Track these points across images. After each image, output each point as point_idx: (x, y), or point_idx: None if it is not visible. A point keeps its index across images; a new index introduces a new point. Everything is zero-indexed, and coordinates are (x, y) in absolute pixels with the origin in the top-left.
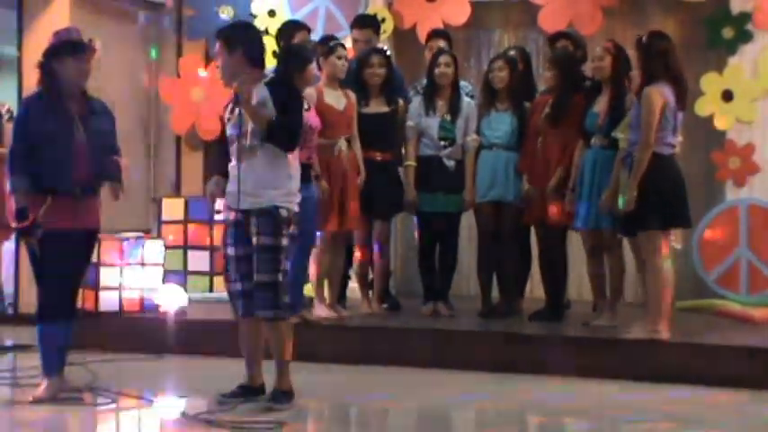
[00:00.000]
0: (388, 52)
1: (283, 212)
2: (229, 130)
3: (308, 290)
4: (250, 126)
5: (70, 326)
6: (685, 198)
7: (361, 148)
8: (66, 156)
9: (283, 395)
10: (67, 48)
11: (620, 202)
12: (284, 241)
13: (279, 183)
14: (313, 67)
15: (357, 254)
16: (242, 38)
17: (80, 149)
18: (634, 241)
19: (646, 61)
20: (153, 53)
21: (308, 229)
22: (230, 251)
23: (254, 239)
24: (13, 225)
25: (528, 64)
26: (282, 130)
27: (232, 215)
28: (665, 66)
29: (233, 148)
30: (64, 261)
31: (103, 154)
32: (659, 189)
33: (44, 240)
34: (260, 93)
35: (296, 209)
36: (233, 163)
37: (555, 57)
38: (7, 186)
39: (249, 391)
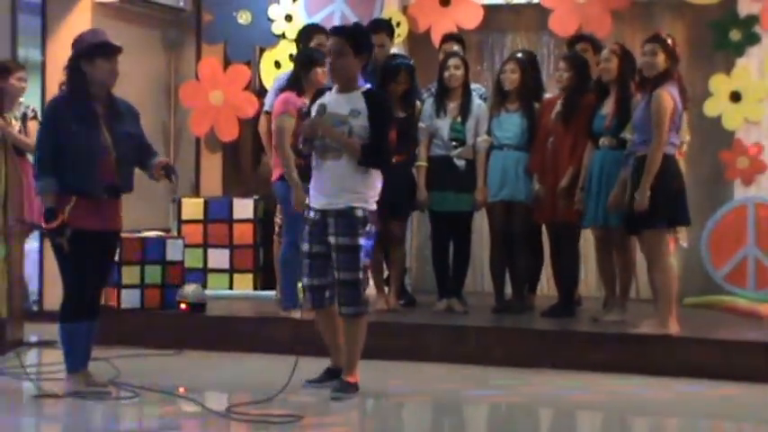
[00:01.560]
0: (413, 64)
1: (359, 212)
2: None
3: None
4: (339, 128)
5: (94, 323)
6: (685, 196)
7: None
8: (93, 158)
9: (349, 386)
10: (97, 49)
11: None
12: (361, 240)
13: (357, 185)
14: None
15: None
16: (368, 45)
17: (106, 152)
18: (642, 238)
19: (671, 62)
20: (172, 36)
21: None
22: (305, 247)
23: (333, 240)
24: (43, 225)
25: (535, 66)
26: (373, 155)
27: (312, 213)
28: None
29: (320, 144)
30: (87, 261)
31: (130, 158)
32: (666, 187)
33: (71, 239)
34: (356, 102)
35: (373, 207)
36: (316, 160)
37: (571, 57)
38: (31, 186)
39: (334, 374)
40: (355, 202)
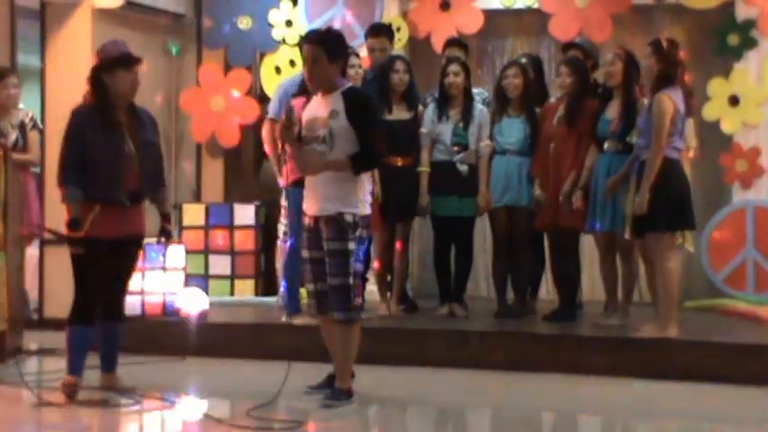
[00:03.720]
0: (407, 59)
1: (348, 218)
2: (304, 131)
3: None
4: (321, 132)
5: (119, 327)
6: (690, 200)
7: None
8: (116, 167)
9: (342, 393)
10: (118, 60)
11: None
12: (351, 245)
13: (345, 191)
14: None
15: (375, 263)
16: (343, 50)
17: (129, 161)
18: (642, 242)
19: (666, 67)
20: (173, 50)
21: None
22: (305, 254)
23: (325, 245)
24: (66, 234)
25: (539, 70)
26: (365, 161)
27: (307, 219)
28: (679, 73)
29: (306, 149)
30: (100, 269)
31: (152, 166)
32: (668, 191)
33: (86, 247)
34: (335, 103)
35: (365, 212)
36: None
37: (573, 61)
38: (31, 194)
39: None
40: (344, 207)
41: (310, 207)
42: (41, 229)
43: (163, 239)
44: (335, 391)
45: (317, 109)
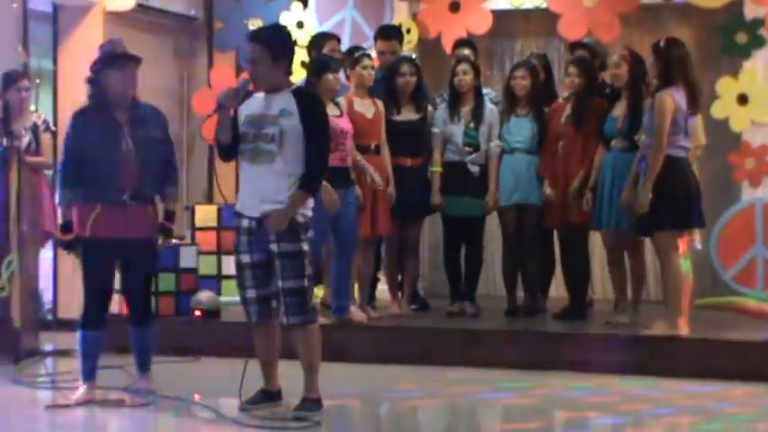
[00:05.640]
0: (417, 60)
1: (299, 218)
2: (244, 127)
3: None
4: (271, 130)
5: (144, 331)
6: (699, 199)
7: (393, 155)
8: (113, 167)
9: (313, 403)
10: (112, 60)
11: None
12: (305, 246)
13: (291, 191)
14: (331, 76)
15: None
16: (287, 49)
17: (127, 160)
18: (652, 240)
19: (663, 66)
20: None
21: (350, 235)
22: (245, 258)
23: (274, 247)
24: (58, 237)
25: (549, 70)
26: (317, 177)
27: (245, 222)
28: (681, 71)
29: (246, 148)
30: (103, 269)
31: (155, 164)
32: (672, 190)
33: (88, 249)
34: (286, 102)
35: (310, 213)
36: (245, 165)
37: (581, 61)
38: (44, 197)
39: (270, 396)
40: None
41: (251, 208)
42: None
43: (161, 238)
44: (307, 402)
45: (261, 106)
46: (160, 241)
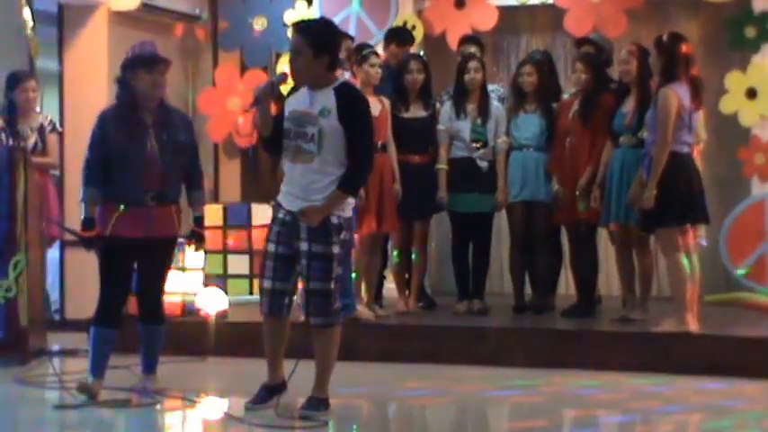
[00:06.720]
0: (425, 58)
1: (334, 219)
2: (288, 123)
3: None
4: (310, 130)
5: (155, 329)
6: (702, 194)
7: (400, 152)
8: (137, 167)
9: (321, 403)
10: (141, 62)
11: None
12: (336, 248)
13: (331, 190)
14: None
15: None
16: (331, 45)
17: (151, 160)
18: (656, 237)
19: (666, 62)
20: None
21: (349, 234)
22: (271, 248)
23: (304, 245)
24: (80, 233)
25: (552, 66)
26: (357, 180)
27: (281, 213)
28: (684, 66)
29: (289, 145)
30: (123, 269)
31: (180, 167)
32: (675, 186)
33: (108, 248)
34: (327, 100)
35: (348, 214)
36: (287, 162)
37: (588, 57)
38: (51, 194)
39: (273, 390)
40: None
41: (291, 201)
42: (60, 226)
43: (193, 244)
44: (314, 401)
45: (305, 103)
46: (193, 248)
